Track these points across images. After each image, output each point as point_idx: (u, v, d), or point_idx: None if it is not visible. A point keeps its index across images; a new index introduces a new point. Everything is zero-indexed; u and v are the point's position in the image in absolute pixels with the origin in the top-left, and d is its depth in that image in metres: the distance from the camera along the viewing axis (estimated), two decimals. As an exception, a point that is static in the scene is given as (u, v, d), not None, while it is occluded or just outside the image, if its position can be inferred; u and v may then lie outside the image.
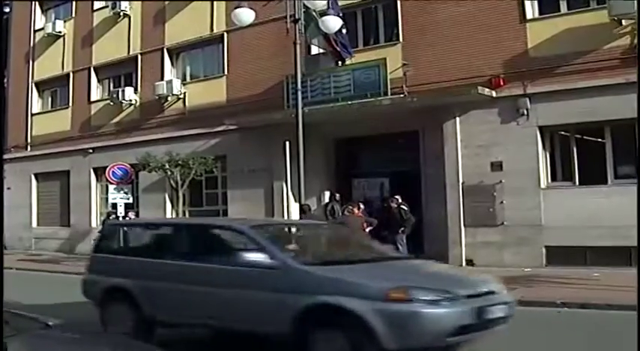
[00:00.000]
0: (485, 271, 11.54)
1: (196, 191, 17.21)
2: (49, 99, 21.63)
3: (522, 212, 12.37)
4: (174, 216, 17.92)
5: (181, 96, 17.68)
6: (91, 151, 19.40)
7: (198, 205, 17.18)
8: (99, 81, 20.25)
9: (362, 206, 12.12)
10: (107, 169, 16.05)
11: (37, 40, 21.63)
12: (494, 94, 12.81)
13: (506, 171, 12.67)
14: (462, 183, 13.21)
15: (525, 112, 12.46)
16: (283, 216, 15.05)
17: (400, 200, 12.91)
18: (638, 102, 9.74)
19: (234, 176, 16.58)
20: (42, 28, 21.28)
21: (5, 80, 20.28)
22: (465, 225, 13.16)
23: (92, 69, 20.11)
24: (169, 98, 17.81)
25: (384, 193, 15.07)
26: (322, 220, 12.37)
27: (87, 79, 20.14)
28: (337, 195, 14.78)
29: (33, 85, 21.71)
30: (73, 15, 20.73)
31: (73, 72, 20.58)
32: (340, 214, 14.59)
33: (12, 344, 2.45)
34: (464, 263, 13.01)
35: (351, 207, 12.32)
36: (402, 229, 12.58)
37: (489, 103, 12.83)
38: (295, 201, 13.23)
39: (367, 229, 11.73)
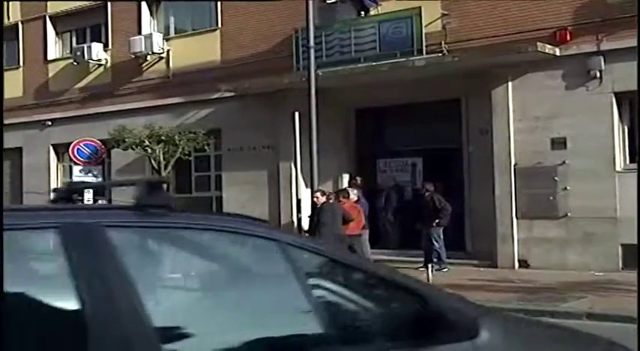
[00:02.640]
0: (543, 275, 11.76)
1: (184, 174, 17.34)
2: (-8, 56, 21.70)
3: (592, 201, 12.34)
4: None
5: (164, 55, 17.71)
6: (49, 123, 19.37)
7: (185, 190, 17.32)
8: (58, 34, 20.01)
9: (354, 194, 11.93)
10: (71, 146, 16.08)
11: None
12: (557, 51, 12.71)
13: (572, 149, 12.65)
14: (515, 165, 13.19)
15: (598, 74, 12.37)
16: (291, 205, 15.11)
17: (433, 187, 13.02)
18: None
19: (230, 155, 16.66)
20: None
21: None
22: (517, 217, 13.14)
23: (48, 18, 19.81)
24: (149, 57, 17.81)
25: (417, 177, 15.28)
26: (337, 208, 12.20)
27: (42, 31, 19.86)
28: (358, 179, 14.82)
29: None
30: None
31: (23, 22, 20.20)
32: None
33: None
34: (516, 264, 13.09)
35: (340, 193, 12.65)
36: (437, 221, 12.71)
37: (551, 64, 12.76)
38: (307, 186, 13.51)
39: (361, 226, 11.78)
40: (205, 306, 2.48)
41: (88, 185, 8.55)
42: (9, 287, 2.08)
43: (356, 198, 12.78)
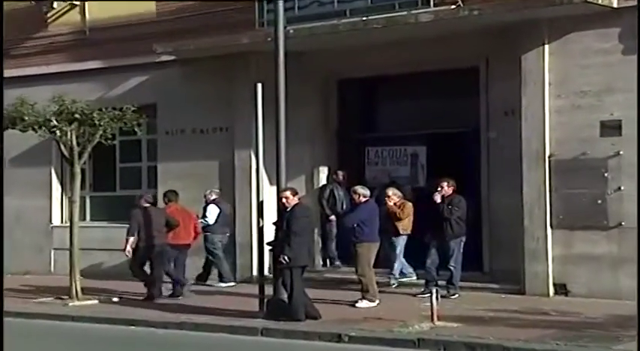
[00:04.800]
0: (587, 305, 11.66)
1: (105, 164, 17.28)
2: None
3: (654, 206, 12.35)
4: (65, 205, 17.65)
5: (77, 1, 17.58)
6: None
7: (108, 187, 17.29)
8: None
9: (294, 196, 11.69)
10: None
11: None
12: (615, 1, 12.59)
13: (628, 136, 12.55)
14: (550, 156, 13.12)
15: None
16: (250, 208, 14.92)
17: (448, 186, 13.03)
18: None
19: (169, 140, 16.65)
20: None
21: None
22: (553, 226, 13.09)
23: None
24: (55, 4, 17.64)
25: (419, 172, 15.30)
26: (313, 213, 12.73)
27: None
28: (340, 173, 15.05)
29: None
30: None
31: None
32: (343, 204, 14.51)
33: None
34: (551, 290, 12.99)
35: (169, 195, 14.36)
36: (457, 233, 12.89)
37: (605, 19, 12.64)
38: (271, 183, 13.29)
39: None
40: None
41: None
42: None
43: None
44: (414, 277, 13.76)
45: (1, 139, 14.77)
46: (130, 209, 14.12)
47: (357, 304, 12.12)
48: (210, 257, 15.21)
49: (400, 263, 13.68)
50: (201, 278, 15.36)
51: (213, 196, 15.23)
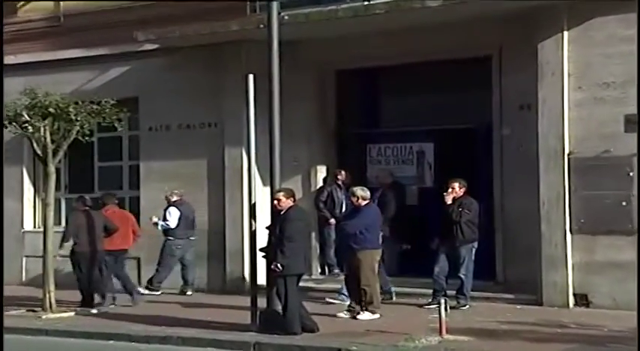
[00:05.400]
0: (611, 317, 11.70)
1: (82, 164, 17.32)
2: None
3: (684, 209, 12.42)
4: (38, 209, 17.62)
5: None
6: None
7: (85, 189, 17.08)
8: None
9: (288, 198, 11.62)
10: None
11: None
12: None
13: (656, 132, 12.58)
14: (570, 154, 13.15)
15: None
16: (242, 211, 15.01)
17: (459, 187, 13.05)
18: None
19: (152, 137, 16.70)
20: None
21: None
22: (573, 231, 13.12)
23: None
24: None
25: (425, 171, 15.40)
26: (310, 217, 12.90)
27: None
28: (341, 173, 15.08)
29: None
30: None
31: None
32: (343, 207, 14.48)
33: None
34: (571, 301, 12.99)
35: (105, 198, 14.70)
36: (468, 238, 12.88)
37: (629, 3, 12.59)
38: (264, 184, 13.35)
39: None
40: None
41: None
42: None
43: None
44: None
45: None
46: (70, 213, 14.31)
47: (358, 316, 12.04)
48: (160, 260, 15.35)
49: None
50: (182, 289, 15.49)
51: (175, 198, 15.38)
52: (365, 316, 12.02)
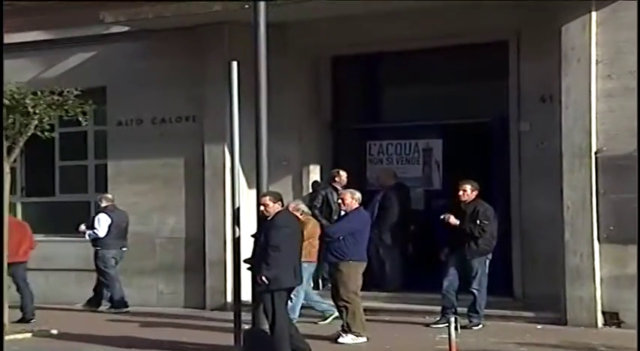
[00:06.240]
0: None
1: (42, 163, 17.39)
2: None
3: None
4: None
5: None
6: None
7: (44, 192, 17.30)
8: None
9: (275, 202, 11.67)
10: None
11: None
12: None
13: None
14: (598, 152, 13.13)
15: None
16: (224, 216, 15.05)
17: (472, 190, 13.05)
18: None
19: (122, 133, 16.75)
20: None
21: None
22: (601, 239, 13.10)
23: None
24: None
25: (433, 171, 15.46)
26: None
27: None
28: (339, 175, 14.96)
29: None
30: None
31: None
32: (339, 209, 14.58)
33: None
34: (599, 320, 12.95)
35: None
36: (482, 249, 12.89)
37: None
38: (250, 186, 13.45)
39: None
40: None
41: None
42: None
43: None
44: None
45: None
46: None
47: (339, 340, 11.93)
48: (101, 278, 15.40)
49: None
50: (92, 304, 15.54)
51: (104, 203, 15.41)
52: (347, 339, 11.90)
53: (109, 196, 15.59)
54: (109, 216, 15.23)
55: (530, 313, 13.36)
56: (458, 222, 12.88)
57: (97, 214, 15.35)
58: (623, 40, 12.97)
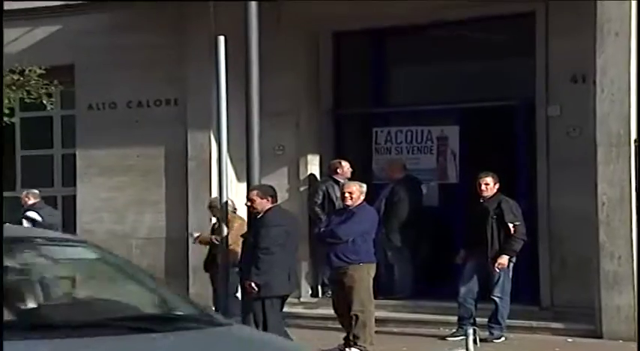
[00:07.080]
0: None
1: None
2: None
3: None
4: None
5: None
6: None
7: (4, 185, 16.95)
8: None
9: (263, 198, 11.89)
10: None
11: None
12: None
13: None
14: (637, 140, 13.06)
15: None
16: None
17: (494, 183, 13.05)
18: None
19: (93, 118, 16.81)
20: None
21: None
22: None
23: None
24: None
25: (448, 162, 15.56)
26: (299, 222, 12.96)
27: None
28: (341, 166, 15.00)
29: None
30: None
31: None
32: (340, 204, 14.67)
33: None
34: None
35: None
36: (510, 250, 12.86)
37: None
38: (239, 179, 13.69)
39: None
40: None
41: None
42: None
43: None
44: None
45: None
46: None
47: None
48: None
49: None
50: None
51: (32, 200, 15.48)
52: None
53: (36, 191, 15.62)
54: (39, 213, 15.20)
55: (559, 324, 13.40)
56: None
57: (24, 212, 15.24)
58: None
